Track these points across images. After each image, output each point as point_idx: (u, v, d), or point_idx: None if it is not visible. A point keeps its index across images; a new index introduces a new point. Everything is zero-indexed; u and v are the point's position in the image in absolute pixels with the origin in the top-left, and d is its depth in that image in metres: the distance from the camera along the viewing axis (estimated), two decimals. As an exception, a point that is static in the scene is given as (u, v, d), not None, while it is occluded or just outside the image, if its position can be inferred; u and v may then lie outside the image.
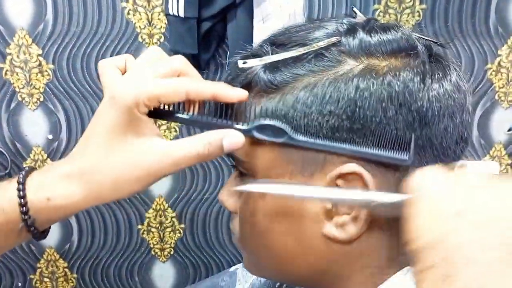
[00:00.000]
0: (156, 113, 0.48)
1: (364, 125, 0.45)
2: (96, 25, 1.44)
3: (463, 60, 1.50)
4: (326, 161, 0.46)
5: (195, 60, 1.36)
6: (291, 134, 0.46)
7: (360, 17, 0.52)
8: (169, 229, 1.67)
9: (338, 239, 0.47)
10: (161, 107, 0.48)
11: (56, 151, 1.56)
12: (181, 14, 1.27)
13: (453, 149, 0.48)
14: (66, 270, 1.72)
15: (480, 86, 1.53)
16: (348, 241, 0.47)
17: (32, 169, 0.49)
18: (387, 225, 0.48)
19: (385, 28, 0.48)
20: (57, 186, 0.46)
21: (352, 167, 0.45)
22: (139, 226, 1.66)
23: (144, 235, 1.68)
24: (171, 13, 1.29)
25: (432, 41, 0.51)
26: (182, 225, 1.67)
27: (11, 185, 0.47)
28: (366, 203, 0.44)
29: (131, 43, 1.46)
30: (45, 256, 1.70)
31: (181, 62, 0.48)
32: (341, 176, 0.46)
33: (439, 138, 0.47)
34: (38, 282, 1.73)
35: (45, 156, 1.57)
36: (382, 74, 0.45)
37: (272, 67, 0.48)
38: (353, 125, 0.45)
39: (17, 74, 1.48)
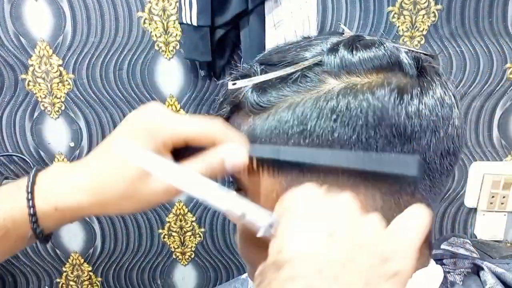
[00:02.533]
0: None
1: (343, 145, 0.45)
2: (114, 35, 1.47)
3: (481, 60, 1.48)
4: (310, 180, 0.47)
5: (210, 67, 1.38)
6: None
7: (348, 34, 0.52)
8: (189, 233, 1.69)
9: None
10: None
11: (78, 158, 1.60)
12: (194, 23, 1.28)
13: (438, 163, 0.48)
14: (91, 274, 1.76)
15: (499, 86, 1.51)
16: None
17: (37, 172, 0.49)
18: None
19: (367, 45, 0.48)
20: (67, 197, 0.47)
21: None
22: (160, 231, 1.69)
23: (165, 239, 1.70)
24: (184, 21, 1.31)
25: (422, 53, 0.51)
26: (202, 229, 1.69)
27: (20, 192, 0.48)
28: (240, 215, 0.44)
29: (148, 51, 1.48)
30: (70, 260, 1.74)
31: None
32: None
33: (421, 154, 0.46)
34: (64, 285, 1.78)
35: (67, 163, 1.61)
36: (360, 92, 0.46)
37: (259, 88, 0.49)
38: (333, 145, 0.45)
39: (39, 85, 1.52)
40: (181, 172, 0.46)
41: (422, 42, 1.46)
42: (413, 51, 0.50)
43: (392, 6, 1.43)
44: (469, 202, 1.62)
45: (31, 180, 0.48)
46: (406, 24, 1.45)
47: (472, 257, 0.56)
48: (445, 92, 0.48)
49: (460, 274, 0.54)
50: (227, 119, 0.53)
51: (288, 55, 0.50)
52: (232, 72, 0.54)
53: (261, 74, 0.50)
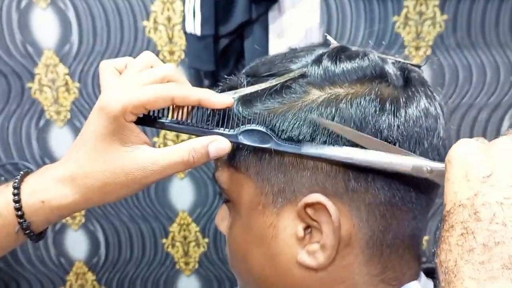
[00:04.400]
0: (144, 120, 0.49)
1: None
2: (119, 44, 1.48)
3: (488, 70, 1.47)
4: (295, 192, 0.47)
5: (214, 77, 1.38)
6: (276, 139, 0.46)
7: (334, 45, 0.51)
8: (193, 243, 1.69)
9: (310, 266, 0.47)
10: (151, 113, 0.49)
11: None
12: (198, 32, 1.29)
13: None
14: (95, 283, 1.76)
15: (506, 97, 1.49)
16: (319, 269, 0.47)
17: (27, 173, 0.51)
18: (365, 247, 0.47)
19: (351, 56, 0.48)
20: (51, 189, 0.48)
21: (316, 197, 0.45)
22: (164, 240, 1.69)
23: (169, 249, 1.70)
24: (188, 31, 1.32)
25: (408, 64, 0.50)
26: (206, 239, 1.69)
27: (7, 189, 0.50)
28: (411, 169, 0.43)
29: (153, 60, 1.49)
30: (74, 269, 1.74)
31: (169, 68, 0.49)
32: (308, 205, 0.46)
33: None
34: (68, 294, 1.78)
35: (72, 171, 1.61)
36: (342, 102, 0.45)
37: (245, 100, 0.49)
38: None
39: (45, 93, 1.54)
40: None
41: (428, 52, 1.45)
42: (399, 61, 0.50)
43: (397, 15, 1.43)
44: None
45: (19, 178, 0.50)
46: (412, 35, 1.44)
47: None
48: (430, 103, 0.47)
49: None
50: None
51: (274, 67, 0.50)
52: (220, 84, 0.54)
53: (247, 86, 0.49)
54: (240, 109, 0.49)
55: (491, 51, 1.45)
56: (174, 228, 1.67)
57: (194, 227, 1.67)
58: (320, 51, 0.50)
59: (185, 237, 1.68)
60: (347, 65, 0.47)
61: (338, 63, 0.47)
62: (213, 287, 1.74)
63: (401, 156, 0.43)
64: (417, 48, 1.45)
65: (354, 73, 0.47)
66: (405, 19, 1.43)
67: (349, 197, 0.46)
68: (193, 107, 0.50)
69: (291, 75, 0.48)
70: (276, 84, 0.48)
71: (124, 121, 0.47)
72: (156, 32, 1.46)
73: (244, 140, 0.48)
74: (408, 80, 0.48)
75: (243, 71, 0.53)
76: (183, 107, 0.49)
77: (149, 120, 0.50)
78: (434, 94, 0.49)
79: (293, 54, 0.50)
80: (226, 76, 0.52)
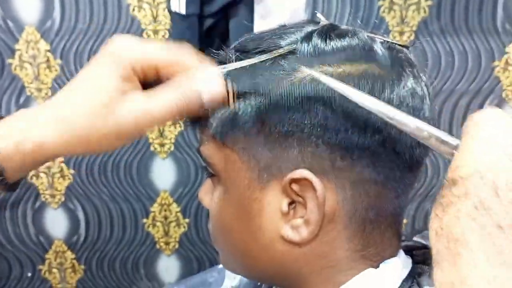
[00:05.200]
0: None
1: (314, 132, 0.45)
2: (103, 22, 1.46)
3: (469, 57, 1.48)
4: (281, 168, 0.47)
5: (198, 57, 1.37)
6: None
7: (323, 22, 0.52)
8: (173, 223, 1.69)
9: (293, 241, 0.48)
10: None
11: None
12: (183, 11, 1.28)
13: (408, 154, 0.48)
14: (74, 261, 1.75)
15: (487, 83, 1.51)
16: (302, 243, 0.48)
17: (2, 117, 0.48)
18: (348, 224, 0.48)
19: (341, 35, 0.48)
20: (28, 131, 0.45)
21: (301, 172, 0.46)
22: (144, 220, 1.69)
23: (149, 229, 1.70)
24: (173, 9, 1.30)
25: (397, 44, 0.51)
26: (187, 220, 1.69)
27: None
28: (413, 129, 0.42)
29: (136, 39, 1.47)
30: (53, 248, 1.73)
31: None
32: (294, 181, 0.46)
33: (391, 144, 0.46)
34: (47, 272, 1.77)
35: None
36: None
37: (233, 76, 0.48)
38: (303, 132, 0.46)
39: (26, 69, 1.51)
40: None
41: (412, 37, 1.46)
42: (387, 41, 0.50)
43: (382, 0, 1.43)
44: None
45: None
46: (396, 19, 1.45)
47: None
48: (417, 83, 0.48)
49: (429, 265, 0.54)
50: None
51: (264, 42, 0.49)
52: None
53: (236, 61, 0.49)
54: (229, 84, 0.49)
55: (474, 38, 1.46)
56: (155, 208, 1.67)
57: (175, 207, 1.67)
58: (309, 28, 0.50)
59: (165, 217, 1.68)
60: (337, 44, 0.47)
61: (328, 41, 0.47)
62: (193, 267, 1.75)
63: (405, 114, 0.42)
64: (401, 33, 1.46)
65: (343, 51, 0.47)
66: (390, 4, 1.44)
67: (335, 174, 0.47)
68: None
69: (280, 51, 0.48)
70: (265, 60, 0.48)
71: (131, 73, 0.45)
72: (140, 11, 1.45)
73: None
74: (396, 60, 0.48)
75: (232, 46, 0.53)
76: None
77: None
78: (421, 75, 0.49)
79: (282, 30, 0.50)
80: (214, 51, 0.52)
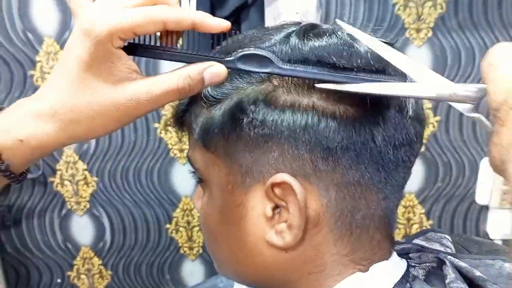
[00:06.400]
0: (131, 49, 0.45)
1: (294, 135, 0.45)
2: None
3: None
4: (262, 172, 0.47)
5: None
6: (277, 62, 0.45)
7: (305, 23, 0.51)
8: (196, 228, 1.70)
9: (278, 246, 0.47)
10: (138, 41, 0.45)
11: (86, 152, 1.63)
12: (194, 17, 1.28)
13: (392, 154, 0.46)
14: (101, 267, 1.78)
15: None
16: (288, 248, 0.47)
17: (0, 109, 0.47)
18: (334, 227, 0.48)
19: (319, 34, 0.47)
20: (28, 127, 0.44)
21: (282, 176, 0.45)
22: (168, 226, 1.70)
23: (173, 234, 1.71)
24: (185, 16, 1.31)
25: (382, 42, 0.50)
26: (209, 224, 1.70)
27: None
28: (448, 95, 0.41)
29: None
30: (81, 254, 1.77)
31: None
32: (276, 185, 0.46)
33: (374, 144, 0.46)
34: (75, 278, 1.80)
35: (76, 158, 1.63)
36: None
37: None
38: (282, 134, 0.45)
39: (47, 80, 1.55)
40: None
41: (430, 35, 1.43)
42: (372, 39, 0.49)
43: (397, -2, 1.41)
44: (480, 199, 1.58)
45: None
46: (412, 17, 1.42)
47: (437, 251, 0.54)
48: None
49: (424, 269, 0.52)
50: (186, 110, 0.53)
51: (244, 45, 0.49)
52: None
53: None
54: (209, 88, 0.49)
55: (494, 32, 1.42)
56: (177, 213, 1.68)
57: (197, 212, 1.68)
58: (290, 29, 0.49)
59: (188, 222, 1.69)
60: (315, 43, 0.46)
61: (306, 41, 0.47)
62: (217, 272, 1.75)
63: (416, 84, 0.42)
64: (418, 31, 1.43)
65: (322, 51, 0.46)
66: (405, 1, 1.41)
67: (317, 177, 0.46)
68: (182, 33, 0.47)
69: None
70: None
71: (111, 46, 0.42)
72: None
73: (242, 66, 0.45)
74: (380, 59, 0.47)
75: (216, 49, 0.53)
76: (172, 34, 0.46)
77: (137, 48, 0.45)
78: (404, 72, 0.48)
79: (263, 32, 0.50)
80: (197, 52, 0.51)
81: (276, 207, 0.48)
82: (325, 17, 1.40)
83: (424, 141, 1.55)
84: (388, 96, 0.45)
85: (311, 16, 1.27)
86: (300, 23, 0.52)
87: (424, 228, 1.64)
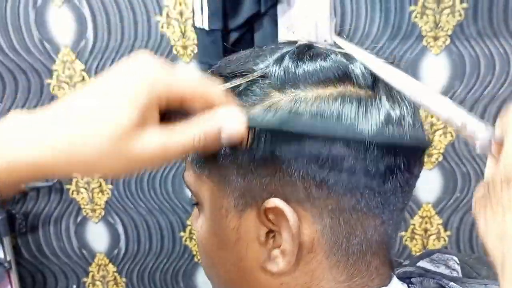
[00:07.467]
0: None
1: (283, 160, 0.43)
2: (133, 40, 1.49)
3: (511, 59, 1.40)
4: (255, 197, 0.45)
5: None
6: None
7: (301, 42, 0.49)
8: (210, 237, 1.69)
9: (272, 272, 0.46)
10: None
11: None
12: (206, 27, 1.28)
13: (389, 180, 0.45)
14: (116, 274, 1.79)
15: (532, 87, 1.42)
16: (282, 274, 0.46)
17: None
18: (330, 253, 0.46)
19: (313, 56, 0.45)
20: (22, 151, 0.38)
21: (274, 201, 0.44)
22: (182, 234, 1.70)
23: (187, 242, 1.71)
24: (197, 25, 1.31)
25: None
26: (223, 233, 1.69)
27: None
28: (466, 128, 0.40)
29: (166, 55, 1.49)
30: (96, 261, 1.78)
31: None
32: (269, 210, 0.45)
33: (369, 171, 0.44)
34: (91, 285, 1.82)
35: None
36: (302, 107, 0.43)
37: None
38: (276, 161, 0.44)
39: (63, 89, 1.56)
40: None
41: (447, 42, 1.40)
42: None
43: (414, 5, 1.38)
44: (500, 210, 1.54)
45: None
46: (430, 24, 1.39)
47: (441, 275, 0.52)
48: (393, 105, 0.45)
49: None
50: None
51: (238, 67, 0.48)
52: None
53: None
54: None
55: (515, 40, 1.39)
56: (190, 221, 1.68)
57: (211, 221, 1.68)
58: (284, 49, 0.48)
59: (202, 231, 1.69)
60: (308, 66, 0.45)
61: (299, 63, 0.45)
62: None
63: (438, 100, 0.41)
64: (436, 38, 1.40)
65: (315, 74, 0.44)
66: (422, 8, 1.38)
67: (311, 203, 0.44)
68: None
69: (254, 75, 0.46)
70: (238, 85, 0.46)
71: (157, 102, 0.40)
72: (169, 27, 1.46)
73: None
74: (377, 79, 0.45)
75: (210, 70, 0.52)
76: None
77: None
78: (400, 97, 0.46)
79: (257, 53, 0.49)
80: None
81: (270, 231, 0.46)
82: (340, 26, 1.39)
83: (442, 150, 1.52)
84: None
85: (325, 25, 1.25)
86: (295, 41, 0.50)
87: (442, 239, 1.61)
